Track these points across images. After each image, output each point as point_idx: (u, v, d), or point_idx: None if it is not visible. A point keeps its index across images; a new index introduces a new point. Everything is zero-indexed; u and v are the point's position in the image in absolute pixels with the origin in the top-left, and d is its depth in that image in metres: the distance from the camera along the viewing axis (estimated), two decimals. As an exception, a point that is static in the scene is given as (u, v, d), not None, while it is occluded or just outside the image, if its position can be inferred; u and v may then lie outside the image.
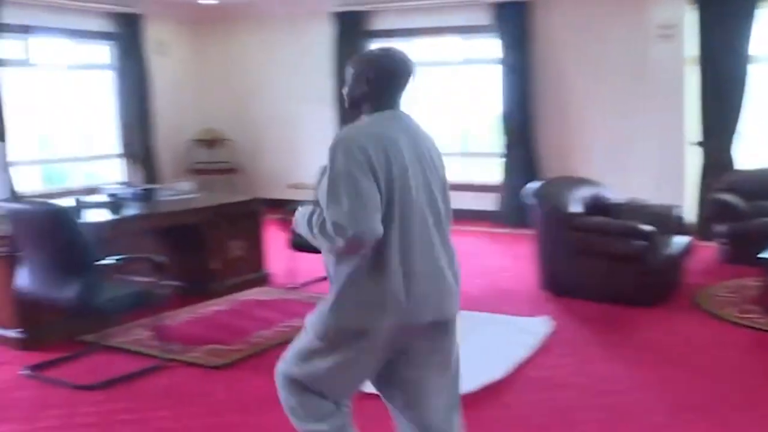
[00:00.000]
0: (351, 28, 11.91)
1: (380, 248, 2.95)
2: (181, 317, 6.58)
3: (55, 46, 11.44)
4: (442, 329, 3.15)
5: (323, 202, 2.94)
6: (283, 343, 5.72)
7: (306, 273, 7.67)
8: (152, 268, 5.65)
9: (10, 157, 10.46)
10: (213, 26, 13.18)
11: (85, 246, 5.17)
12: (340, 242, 2.87)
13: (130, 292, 5.49)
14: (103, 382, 5.12)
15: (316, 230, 2.98)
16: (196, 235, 7.27)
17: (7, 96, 10.51)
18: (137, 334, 6.09)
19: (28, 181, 11.04)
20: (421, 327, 3.06)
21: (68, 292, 5.18)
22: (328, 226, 2.89)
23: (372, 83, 3.10)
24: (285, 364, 3.23)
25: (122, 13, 11.86)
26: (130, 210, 7.11)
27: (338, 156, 2.91)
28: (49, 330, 5.95)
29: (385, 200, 2.93)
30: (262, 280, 7.71)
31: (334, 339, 3.07)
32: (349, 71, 3.17)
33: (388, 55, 3.16)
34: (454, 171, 11.46)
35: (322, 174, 2.99)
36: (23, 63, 11.08)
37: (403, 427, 3.27)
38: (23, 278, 5.45)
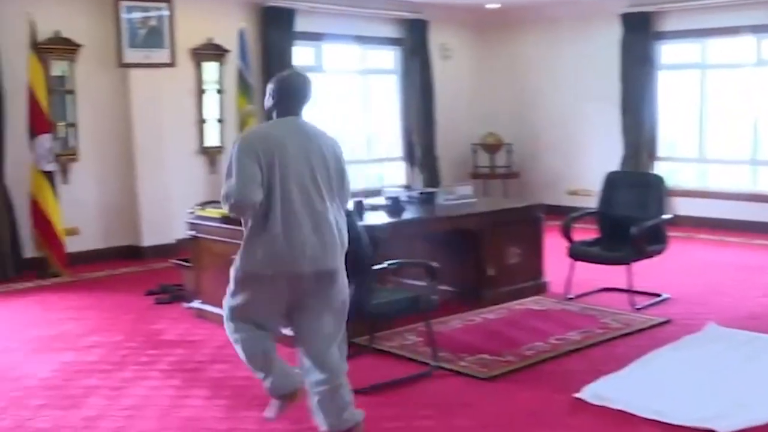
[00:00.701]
0: (640, 30, 11.46)
1: (266, 215, 3.98)
2: (452, 324, 6.51)
3: (345, 52, 11.79)
4: (325, 279, 4.07)
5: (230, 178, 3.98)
6: (556, 357, 5.57)
7: (584, 284, 7.41)
8: (426, 274, 5.58)
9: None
10: (496, 30, 13.13)
11: (361, 249, 5.14)
12: (227, 207, 4.02)
13: (402, 297, 5.48)
14: (372, 386, 5.09)
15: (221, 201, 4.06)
16: (473, 241, 7.16)
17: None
18: (408, 338, 6.07)
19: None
20: (306, 276, 4.02)
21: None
22: (222, 196, 4.00)
23: (276, 98, 4.19)
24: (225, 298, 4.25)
25: (409, 19, 12.05)
26: (409, 213, 7.13)
27: (234, 149, 3.99)
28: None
29: (266, 180, 3.93)
30: (539, 288, 7.49)
31: (240, 281, 4.13)
32: (267, 88, 4.24)
33: (289, 76, 4.27)
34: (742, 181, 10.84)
35: None
36: (316, 69, 11.50)
37: (300, 357, 4.26)
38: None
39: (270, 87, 4.22)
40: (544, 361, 5.57)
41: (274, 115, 4.22)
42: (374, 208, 7.25)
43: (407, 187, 11.12)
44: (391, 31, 12.15)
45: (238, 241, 6.10)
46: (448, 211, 7.34)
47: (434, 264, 5.53)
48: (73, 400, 4.99)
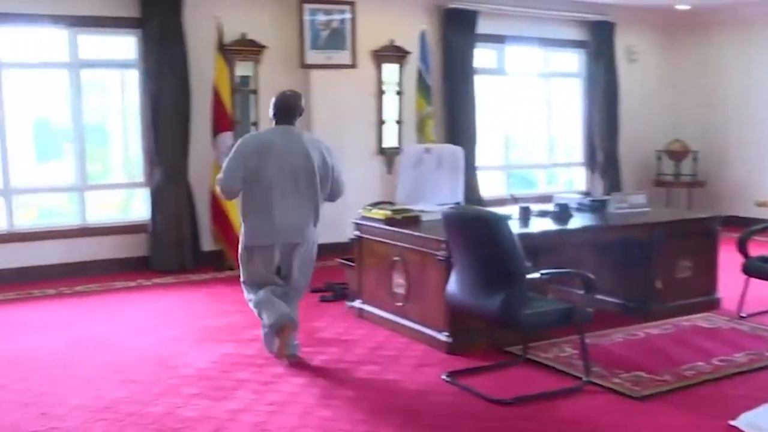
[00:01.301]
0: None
1: (255, 201, 5.62)
2: (613, 337, 6.30)
3: (527, 54, 11.67)
4: (297, 247, 5.72)
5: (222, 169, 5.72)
6: (716, 379, 5.31)
7: (760, 302, 7.05)
8: (582, 285, 5.43)
9: (478, 161, 10.89)
10: (686, 33, 12.68)
11: (514, 257, 5.06)
12: (219, 190, 5.82)
13: (555, 308, 5.33)
14: (518, 397, 5.01)
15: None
16: (642, 252, 6.91)
17: (479, 102, 10.94)
18: (565, 350, 5.92)
19: (493, 185, 11.39)
20: (286, 246, 5.68)
21: (492, 303, 5.12)
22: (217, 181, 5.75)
23: (274, 110, 5.79)
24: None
25: (594, 21, 11.79)
26: (576, 221, 6.96)
27: (233, 148, 5.73)
28: (476, 336, 5.97)
29: (253, 173, 5.56)
30: (710, 305, 7.14)
31: (244, 253, 5.77)
32: (270, 103, 5.83)
33: (285, 95, 5.87)
34: None
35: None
36: (497, 71, 11.44)
37: (282, 289, 5.79)
38: (452, 284, 5.51)
39: (271, 102, 5.82)
40: (703, 383, 5.29)
41: (274, 122, 5.79)
42: (542, 214, 7.13)
43: (585, 194, 10.89)
44: (575, 34, 11.93)
45: (400, 243, 6.26)
46: (618, 220, 7.12)
47: (590, 275, 5.36)
48: (223, 392, 5.15)
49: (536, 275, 5.19)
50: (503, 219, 5.15)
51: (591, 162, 12.15)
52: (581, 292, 5.56)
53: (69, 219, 9.03)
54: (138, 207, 9.32)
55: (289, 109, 5.77)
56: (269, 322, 5.62)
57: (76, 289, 8.15)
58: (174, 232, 8.84)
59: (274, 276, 5.73)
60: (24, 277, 8.44)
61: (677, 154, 12.24)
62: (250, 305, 5.84)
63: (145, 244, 9.03)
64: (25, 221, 8.85)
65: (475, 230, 5.28)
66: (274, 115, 5.76)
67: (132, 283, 8.20)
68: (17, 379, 5.44)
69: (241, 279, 5.87)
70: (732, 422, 4.62)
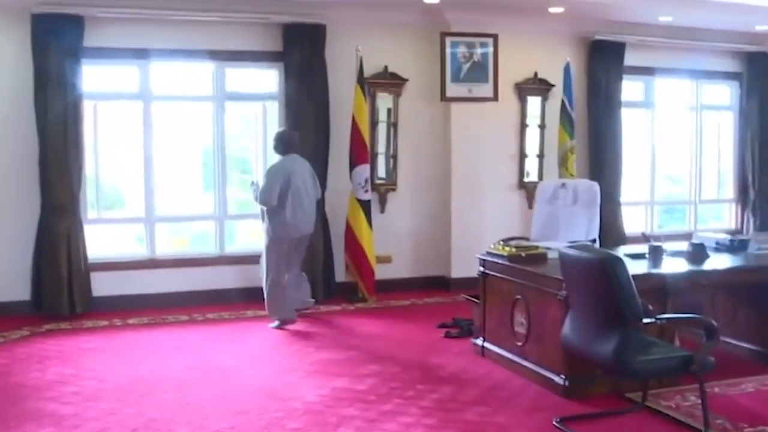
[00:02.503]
0: None
1: (283, 205, 7.82)
2: (744, 387, 5.94)
3: (676, 86, 11.29)
4: (306, 237, 8.15)
5: (261, 188, 7.91)
6: None
7: None
8: (704, 331, 5.12)
9: (623, 197, 10.61)
10: None
11: (628, 300, 4.83)
12: (258, 203, 7.97)
13: (671, 356, 5.06)
14: (629, 448, 4.78)
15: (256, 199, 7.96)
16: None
17: (625, 136, 10.65)
18: (686, 399, 5.62)
19: (638, 222, 11.05)
20: (301, 237, 8.03)
21: (605, 348, 4.91)
22: (258, 198, 7.94)
23: (282, 144, 8.08)
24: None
25: (750, 52, 11.31)
26: (712, 262, 6.62)
27: (268, 173, 7.99)
28: (594, 380, 5.75)
29: (282, 190, 7.79)
30: None
31: (270, 245, 7.94)
32: (273, 139, 8.25)
33: (286, 132, 8.25)
34: None
35: (256, 183, 8.15)
36: (644, 104, 11.13)
37: (291, 270, 8.12)
38: (567, 326, 5.33)
39: (275, 138, 8.16)
40: (835, 441, 4.93)
41: (281, 153, 8.07)
42: (676, 254, 6.82)
43: (734, 232, 10.41)
44: (728, 65, 11.47)
45: (522, 281, 6.13)
46: (757, 262, 6.74)
47: (712, 321, 5.06)
48: (325, 428, 5.14)
49: (651, 320, 4.94)
50: (617, 260, 4.92)
51: (742, 198, 11.61)
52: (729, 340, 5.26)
53: (207, 247, 9.26)
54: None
55: (293, 142, 8.10)
56: (277, 318, 8.01)
57: (207, 316, 8.35)
58: (308, 263, 8.92)
59: (294, 255, 8.08)
60: (162, 303, 8.69)
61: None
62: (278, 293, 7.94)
63: (280, 274, 9.15)
64: (166, 249, 9.12)
65: (589, 271, 5.09)
66: (283, 147, 8.05)
67: (262, 312, 8.31)
68: (132, 404, 5.59)
69: (269, 264, 7.95)
70: None
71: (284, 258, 7.97)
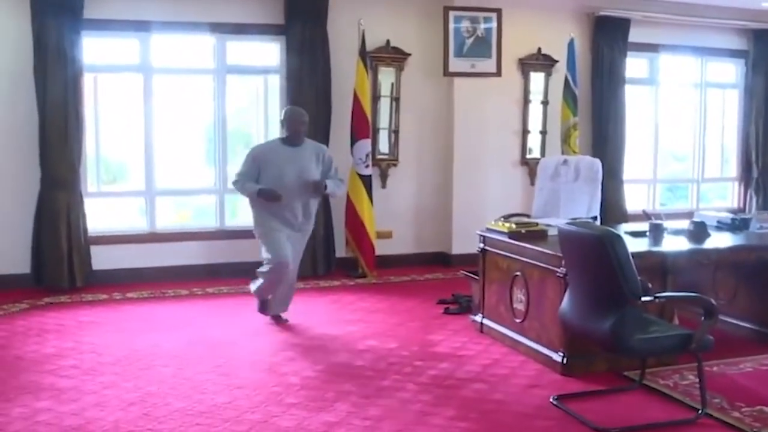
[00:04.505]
0: None
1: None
2: (742, 366, 5.92)
3: (681, 63, 11.22)
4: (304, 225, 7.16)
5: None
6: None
7: None
8: (703, 310, 5.08)
9: (626, 175, 10.58)
10: None
11: (626, 277, 4.80)
12: (235, 186, 7.11)
13: (669, 335, 5.03)
14: (624, 427, 4.78)
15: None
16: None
17: (629, 113, 10.60)
18: (684, 377, 5.60)
19: (641, 199, 11.02)
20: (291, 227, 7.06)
21: (602, 325, 4.89)
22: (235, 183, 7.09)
23: (284, 122, 7.08)
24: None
25: (756, 29, 11.22)
26: (713, 240, 6.59)
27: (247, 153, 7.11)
28: (593, 358, 5.73)
29: (259, 172, 6.92)
30: None
31: (257, 229, 7.05)
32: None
33: (291, 109, 7.23)
34: None
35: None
36: (648, 81, 11.06)
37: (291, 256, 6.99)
38: (566, 303, 5.31)
39: (282, 114, 7.20)
40: (833, 419, 4.91)
41: (283, 132, 7.19)
42: (677, 232, 6.79)
43: (737, 211, 10.37)
44: (734, 42, 11.39)
45: (522, 258, 6.11)
46: (758, 240, 6.70)
47: (711, 300, 5.03)
48: (322, 403, 5.12)
49: (649, 298, 4.92)
50: (616, 236, 4.87)
51: (746, 177, 11.57)
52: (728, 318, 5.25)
53: (208, 221, 9.25)
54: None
55: (293, 122, 7.07)
56: (268, 308, 7.27)
57: (207, 291, 8.35)
58: (308, 238, 8.88)
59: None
60: (162, 276, 8.69)
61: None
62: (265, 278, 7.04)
63: (280, 249, 9.13)
64: (166, 222, 9.11)
65: (587, 248, 5.05)
66: (285, 126, 7.10)
67: (263, 287, 8.31)
68: (129, 377, 5.59)
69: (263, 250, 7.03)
70: None
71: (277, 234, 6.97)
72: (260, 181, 6.88)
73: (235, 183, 7.03)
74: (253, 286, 7.20)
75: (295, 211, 6.97)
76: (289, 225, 6.99)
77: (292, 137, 7.01)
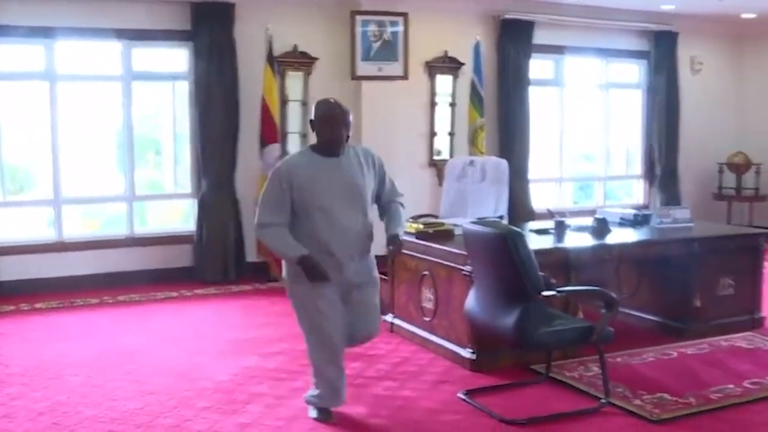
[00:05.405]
0: None
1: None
2: (644, 357, 6.12)
3: (586, 65, 11.49)
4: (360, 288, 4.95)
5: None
6: (744, 403, 5.11)
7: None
8: (604, 303, 5.24)
9: (531, 174, 10.77)
10: (752, 42, 12.39)
11: (529, 274, 4.94)
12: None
13: (571, 328, 5.18)
14: (531, 418, 4.91)
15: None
16: (681, 268, 6.71)
17: (535, 114, 10.82)
18: (589, 369, 5.77)
19: (549, 198, 11.23)
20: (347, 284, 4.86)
21: (507, 320, 5.02)
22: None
23: (317, 123, 4.78)
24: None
25: (657, 31, 11.54)
26: (615, 236, 6.78)
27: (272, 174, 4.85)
28: (500, 353, 5.86)
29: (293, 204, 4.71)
30: (753, 324, 6.91)
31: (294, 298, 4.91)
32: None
33: (325, 104, 4.83)
34: None
35: None
36: (554, 82, 11.28)
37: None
38: (470, 300, 5.42)
39: (313, 110, 4.84)
40: (729, 407, 5.10)
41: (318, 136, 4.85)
42: (580, 229, 6.97)
43: (642, 207, 10.67)
44: (636, 44, 11.69)
45: (429, 258, 6.21)
46: (658, 235, 6.93)
47: (611, 293, 5.21)
48: (235, 406, 5.15)
49: (551, 293, 5.07)
50: (517, 234, 5.00)
51: (649, 174, 11.90)
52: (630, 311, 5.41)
53: (118, 229, 9.16)
54: (186, 218, 9.40)
55: (327, 121, 4.86)
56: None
57: (118, 299, 8.26)
58: (219, 243, 8.91)
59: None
60: (71, 286, 8.57)
61: (739, 166, 11.91)
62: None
63: (191, 255, 9.10)
64: (74, 231, 8.99)
65: (490, 246, 5.17)
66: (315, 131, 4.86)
67: (174, 294, 8.28)
68: (39, 388, 5.52)
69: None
70: (748, 449, 4.45)
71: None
72: (298, 220, 4.74)
73: (260, 228, 4.80)
74: (309, 395, 5.06)
75: (352, 253, 4.86)
76: (339, 285, 4.83)
77: (329, 144, 4.79)
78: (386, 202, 5.13)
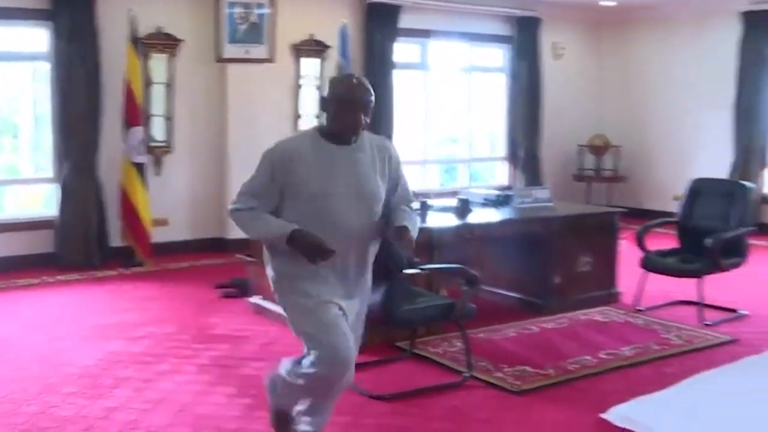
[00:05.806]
0: (762, 29, 10.88)
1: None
2: (506, 332, 6.31)
3: (451, 49, 11.67)
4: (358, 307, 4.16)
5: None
6: (599, 373, 5.33)
7: (658, 296, 7.15)
8: (465, 280, 5.37)
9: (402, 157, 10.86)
10: (611, 29, 12.84)
11: (391, 253, 5.00)
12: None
13: (435, 304, 5.32)
14: (396, 393, 5.00)
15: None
16: (541, 246, 6.94)
17: (400, 97, 10.93)
18: (452, 345, 5.90)
19: (414, 180, 11.36)
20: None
21: (373, 298, 5.07)
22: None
23: (330, 103, 3.83)
24: None
25: (520, 16, 11.82)
26: (476, 216, 6.94)
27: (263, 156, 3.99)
28: (368, 332, 5.88)
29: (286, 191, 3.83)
30: (609, 299, 7.20)
31: (281, 298, 4.05)
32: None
33: (346, 81, 3.94)
34: None
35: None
36: (419, 66, 11.42)
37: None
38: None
39: (329, 87, 3.95)
40: (585, 377, 5.32)
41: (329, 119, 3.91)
42: (443, 209, 7.10)
43: (506, 189, 10.92)
44: (500, 29, 11.95)
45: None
46: (518, 215, 7.14)
47: (472, 271, 5.33)
48: (101, 390, 5.06)
49: (414, 271, 5.17)
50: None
51: (513, 157, 12.20)
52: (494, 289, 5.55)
53: (-26, 214, 8.88)
54: (47, 202, 9.15)
55: (340, 100, 3.89)
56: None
57: (-25, 287, 8.02)
58: (81, 228, 8.70)
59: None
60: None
61: (598, 149, 12.34)
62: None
63: (53, 240, 8.86)
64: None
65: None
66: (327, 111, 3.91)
67: (35, 280, 8.06)
68: None
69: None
70: (602, 415, 4.64)
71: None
72: (284, 210, 3.85)
73: (235, 212, 3.95)
74: (271, 383, 4.23)
75: (347, 261, 3.89)
76: (340, 285, 3.91)
77: (344, 131, 3.86)
78: (394, 208, 4.08)
